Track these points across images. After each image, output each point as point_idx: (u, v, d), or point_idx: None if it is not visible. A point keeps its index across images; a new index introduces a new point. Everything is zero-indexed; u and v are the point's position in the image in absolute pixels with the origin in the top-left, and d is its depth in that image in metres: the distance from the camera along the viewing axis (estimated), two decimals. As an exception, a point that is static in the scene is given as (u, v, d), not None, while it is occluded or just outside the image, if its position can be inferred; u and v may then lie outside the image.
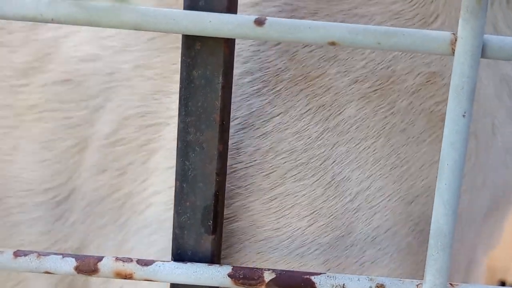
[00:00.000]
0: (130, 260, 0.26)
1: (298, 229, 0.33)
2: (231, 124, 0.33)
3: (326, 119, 0.34)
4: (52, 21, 0.25)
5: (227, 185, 0.32)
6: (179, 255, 0.28)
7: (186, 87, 0.27)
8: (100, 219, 0.37)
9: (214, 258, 0.27)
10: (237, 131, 0.33)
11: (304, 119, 0.34)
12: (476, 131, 0.36)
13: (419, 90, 0.35)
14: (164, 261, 0.27)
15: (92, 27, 0.36)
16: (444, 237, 0.24)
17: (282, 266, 0.33)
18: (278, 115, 0.33)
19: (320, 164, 0.33)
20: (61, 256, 0.27)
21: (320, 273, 0.27)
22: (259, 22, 0.25)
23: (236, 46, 0.33)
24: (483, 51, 0.24)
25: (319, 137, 0.34)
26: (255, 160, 0.33)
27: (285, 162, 0.33)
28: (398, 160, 0.35)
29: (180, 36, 0.30)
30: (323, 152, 0.33)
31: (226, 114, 0.27)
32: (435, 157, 0.35)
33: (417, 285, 0.26)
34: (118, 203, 0.36)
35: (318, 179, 0.33)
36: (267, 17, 0.25)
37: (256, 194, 0.33)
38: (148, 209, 0.35)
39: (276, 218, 0.33)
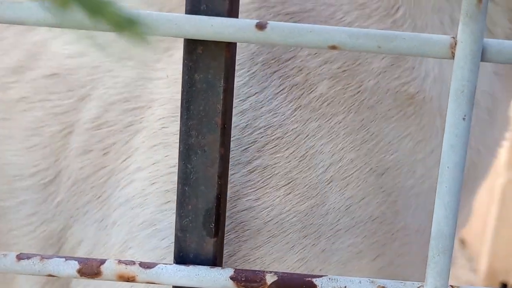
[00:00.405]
0: (133, 262, 0.27)
1: (276, 198, 0.36)
2: None
3: (299, 98, 0.37)
4: (53, 25, 0.25)
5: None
6: (181, 257, 0.28)
7: (188, 90, 0.27)
8: (84, 197, 0.39)
9: (216, 261, 0.28)
10: None
11: (278, 98, 0.37)
12: (441, 111, 0.39)
13: (385, 72, 0.38)
14: (166, 264, 0.27)
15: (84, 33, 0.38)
16: (444, 239, 0.24)
17: (263, 234, 0.36)
18: (253, 94, 0.37)
19: (294, 139, 0.36)
20: (64, 259, 0.27)
21: (322, 276, 0.27)
22: (261, 26, 0.25)
23: None
24: (483, 55, 0.24)
25: (292, 114, 0.37)
26: (233, 136, 0.36)
27: (262, 136, 0.36)
28: (368, 134, 0.38)
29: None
30: (297, 127, 0.36)
31: (228, 117, 0.27)
32: (403, 133, 0.38)
33: (418, 287, 0.26)
34: (102, 180, 0.39)
35: (292, 152, 0.36)
36: (268, 21, 0.25)
37: (236, 167, 0.36)
38: (131, 184, 0.38)
39: (255, 189, 0.36)
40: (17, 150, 0.41)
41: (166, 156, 0.37)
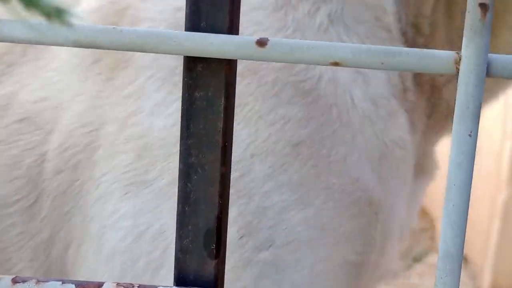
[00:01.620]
0: (132, 285, 0.26)
1: None
2: (142, 114, 0.48)
3: None
4: (55, 44, 0.25)
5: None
6: (182, 279, 0.27)
7: (187, 108, 0.26)
8: (65, 207, 0.50)
9: (217, 283, 0.27)
10: (149, 117, 0.48)
11: None
12: (336, 104, 0.49)
13: (283, 69, 0.48)
14: (166, 286, 0.26)
15: (45, 81, 0.51)
16: (452, 259, 0.24)
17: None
18: (176, 101, 0.47)
19: None
20: (60, 282, 0.26)
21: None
22: (261, 43, 0.24)
23: (143, 58, 0.49)
24: (488, 70, 0.24)
25: None
26: (164, 138, 0.46)
27: None
28: (277, 116, 0.47)
29: (102, 63, 0.50)
30: None
31: (229, 135, 0.27)
32: (308, 115, 0.48)
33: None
34: (76, 191, 0.50)
35: None
36: (269, 38, 0.25)
37: (172, 156, 0.47)
38: (99, 187, 0.49)
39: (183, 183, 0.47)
40: (1, 184, 0.50)
41: (121, 160, 0.48)
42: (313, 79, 0.48)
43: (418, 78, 0.54)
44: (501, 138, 1.45)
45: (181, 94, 0.43)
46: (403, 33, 0.52)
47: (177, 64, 0.47)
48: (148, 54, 0.47)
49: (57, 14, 0.17)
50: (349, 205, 0.49)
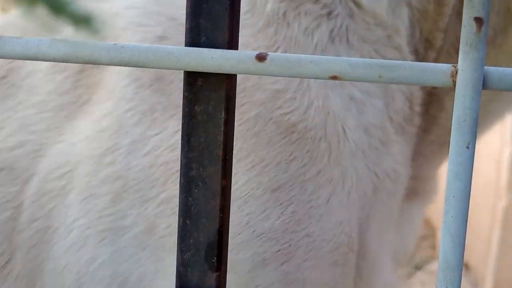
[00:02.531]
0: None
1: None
2: (119, 151, 0.44)
3: None
4: (54, 59, 0.25)
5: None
6: (183, 292, 0.27)
7: (188, 122, 0.27)
8: (38, 259, 0.47)
9: (218, 296, 0.27)
10: (125, 156, 0.44)
11: (176, 136, 0.43)
12: (327, 136, 0.45)
13: (267, 103, 0.44)
14: (167, 300, 0.26)
15: (19, 123, 0.48)
16: (452, 270, 0.24)
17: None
18: (155, 135, 0.44)
19: None
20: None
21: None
22: (261, 58, 0.25)
23: (124, 89, 0.46)
24: (484, 83, 0.24)
25: None
26: (142, 180, 0.44)
27: (163, 173, 0.43)
28: (257, 158, 0.44)
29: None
30: None
31: (229, 149, 0.27)
32: (290, 157, 0.44)
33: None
34: (49, 239, 0.46)
35: None
36: (268, 53, 0.25)
37: (149, 202, 0.44)
38: (72, 232, 0.45)
39: (168, 221, 0.43)
40: None
41: (95, 204, 0.45)
42: (301, 108, 0.44)
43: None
44: (500, 145, 1.45)
45: (159, 131, 0.44)
46: (414, 51, 0.50)
47: (159, 101, 0.44)
48: (130, 85, 0.45)
49: (85, 22, 0.17)
50: (331, 252, 0.45)
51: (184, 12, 0.43)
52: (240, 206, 0.43)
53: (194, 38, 0.26)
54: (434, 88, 0.53)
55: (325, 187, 0.45)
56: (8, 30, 0.50)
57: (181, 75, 0.41)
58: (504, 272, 1.45)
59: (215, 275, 0.27)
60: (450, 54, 0.50)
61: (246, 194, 0.43)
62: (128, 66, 0.25)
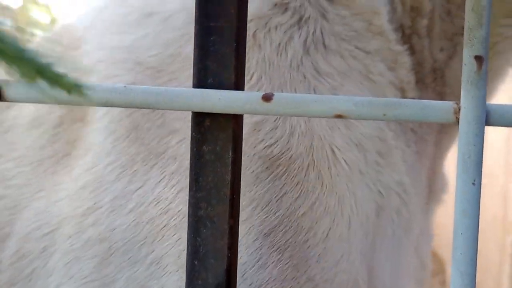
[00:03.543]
0: None
1: (173, 283, 0.39)
2: (100, 211, 0.42)
3: (178, 182, 0.40)
4: (68, 102, 0.26)
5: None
6: (192, 334, 0.27)
7: (196, 162, 0.27)
8: None
9: (227, 337, 0.27)
10: (108, 215, 0.41)
11: (159, 186, 0.41)
12: (315, 162, 0.41)
13: (248, 138, 0.41)
14: None
15: None
16: (463, 308, 0.23)
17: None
18: (137, 189, 0.41)
19: (180, 220, 0.39)
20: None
21: None
22: (267, 98, 0.25)
23: (102, 143, 0.43)
24: (487, 119, 0.25)
25: (176, 197, 0.40)
26: (128, 240, 0.40)
27: (150, 231, 0.40)
28: (247, 199, 0.40)
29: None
30: (182, 208, 0.39)
31: (236, 188, 0.27)
32: (280, 193, 0.40)
33: None
34: None
35: (180, 236, 0.39)
36: (274, 93, 0.26)
37: (138, 263, 0.40)
38: None
39: (160, 282, 0.40)
40: None
41: (80, 269, 0.41)
42: (284, 137, 0.41)
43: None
44: (505, 180, 1.45)
45: (141, 184, 0.41)
46: (399, 27, 0.46)
47: (138, 151, 0.42)
48: (107, 139, 0.43)
49: (76, 89, 0.20)
50: None
51: (150, 53, 0.43)
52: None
53: (202, 80, 0.27)
54: (423, 67, 0.48)
55: (322, 221, 0.41)
56: None
57: (158, 121, 0.42)
58: (516, 309, 1.42)
59: (224, 315, 0.27)
60: (442, 19, 0.46)
61: (240, 241, 0.40)
62: (138, 108, 0.26)
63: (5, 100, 0.26)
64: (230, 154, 0.26)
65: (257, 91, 0.41)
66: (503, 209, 1.43)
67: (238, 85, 0.27)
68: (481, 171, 0.24)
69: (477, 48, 0.24)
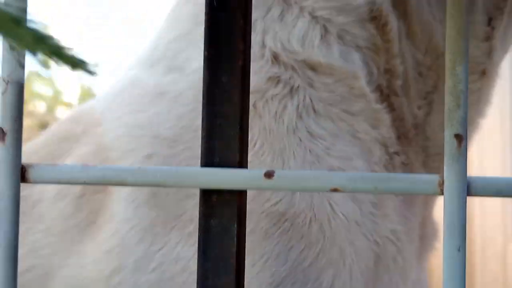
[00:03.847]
0: None
1: None
2: (125, 272, 0.44)
3: (195, 241, 0.43)
4: (85, 183, 0.29)
5: None
6: None
7: (204, 236, 0.29)
8: None
9: None
10: (133, 274, 0.44)
11: (178, 246, 0.44)
12: (316, 215, 0.44)
13: (257, 196, 0.44)
14: None
15: (29, 248, 0.48)
16: None
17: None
18: (159, 250, 0.44)
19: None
20: None
21: None
22: (269, 175, 0.28)
23: (124, 211, 0.46)
24: (469, 190, 0.27)
25: (194, 255, 0.43)
26: None
27: (171, 287, 0.43)
28: (257, 256, 0.43)
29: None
30: None
31: (242, 259, 0.29)
32: (287, 245, 0.43)
33: None
34: None
35: None
36: (275, 170, 0.28)
37: None
38: None
39: None
40: None
41: None
42: (287, 195, 0.44)
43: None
44: (504, 241, 1.45)
45: (162, 245, 0.45)
46: (376, 88, 0.49)
47: (158, 215, 0.45)
48: (129, 206, 0.46)
49: (80, 64, 0.20)
50: None
51: (165, 126, 0.47)
52: None
53: (209, 159, 0.29)
54: (404, 122, 0.52)
55: (327, 270, 0.44)
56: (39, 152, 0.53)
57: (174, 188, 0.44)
58: None
59: None
60: (416, 79, 0.50)
61: None
62: (151, 186, 0.28)
63: (28, 182, 0.29)
64: (236, 227, 0.29)
65: (261, 157, 0.46)
66: (503, 270, 1.43)
67: (242, 163, 0.30)
68: (466, 239, 0.26)
69: (456, 128, 0.27)
